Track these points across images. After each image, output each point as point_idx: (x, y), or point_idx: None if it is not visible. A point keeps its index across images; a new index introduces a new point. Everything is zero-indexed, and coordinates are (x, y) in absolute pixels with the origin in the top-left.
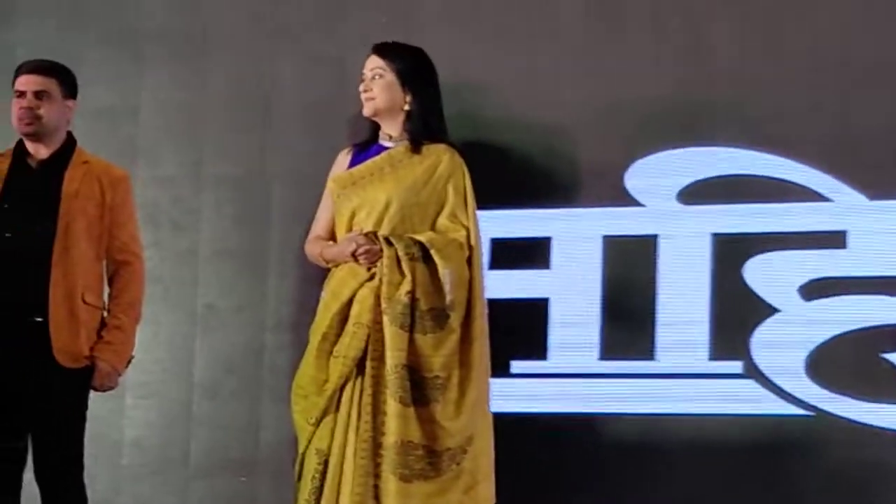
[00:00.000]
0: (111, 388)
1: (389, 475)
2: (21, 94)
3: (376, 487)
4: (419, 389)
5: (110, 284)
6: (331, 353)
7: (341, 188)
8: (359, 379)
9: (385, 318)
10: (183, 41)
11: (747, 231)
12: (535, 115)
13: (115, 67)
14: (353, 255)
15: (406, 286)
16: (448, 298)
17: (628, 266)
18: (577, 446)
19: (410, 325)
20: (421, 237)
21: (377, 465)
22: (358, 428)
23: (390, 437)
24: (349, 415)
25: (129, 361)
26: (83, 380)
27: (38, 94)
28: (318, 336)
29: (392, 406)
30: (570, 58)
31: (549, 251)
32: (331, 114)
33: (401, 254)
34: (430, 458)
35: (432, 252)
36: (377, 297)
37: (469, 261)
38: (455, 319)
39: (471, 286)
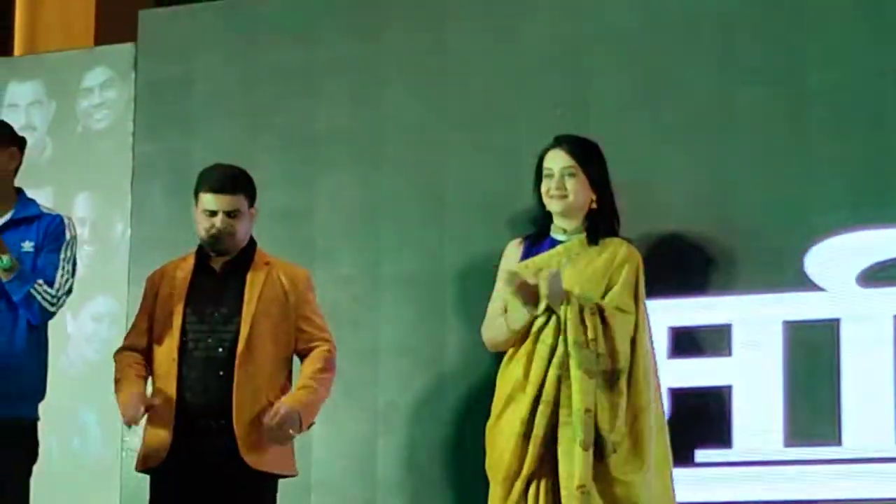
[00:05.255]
0: (285, 436)
1: None
2: (213, 213)
3: None
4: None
5: (302, 365)
6: (527, 436)
7: None
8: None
9: (572, 363)
10: (355, 140)
11: None
12: (710, 203)
13: (290, 169)
14: (518, 287)
15: (590, 334)
16: (620, 362)
17: (810, 351)
18: None
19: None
20: (598, 301)
21: None
22: None
23: None
24: None
25: (310, 425)
26: (272, 483)
27: (231, 214)
28: (518, 424)
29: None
30: (743, 142)
31: (729, 338)
32: (506, 206)
33: (584, 305)
34: None
35: (606, 314)
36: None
37: (633, 341)
38: (623, 383)
39: (634, 357)
